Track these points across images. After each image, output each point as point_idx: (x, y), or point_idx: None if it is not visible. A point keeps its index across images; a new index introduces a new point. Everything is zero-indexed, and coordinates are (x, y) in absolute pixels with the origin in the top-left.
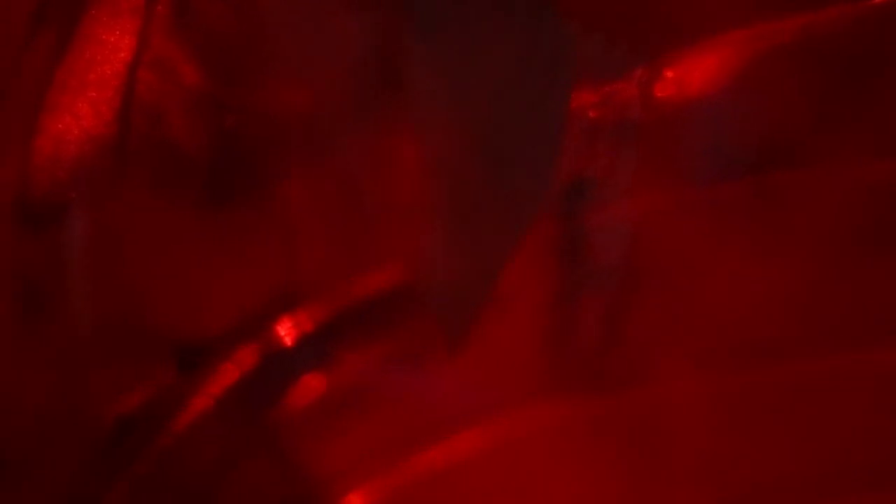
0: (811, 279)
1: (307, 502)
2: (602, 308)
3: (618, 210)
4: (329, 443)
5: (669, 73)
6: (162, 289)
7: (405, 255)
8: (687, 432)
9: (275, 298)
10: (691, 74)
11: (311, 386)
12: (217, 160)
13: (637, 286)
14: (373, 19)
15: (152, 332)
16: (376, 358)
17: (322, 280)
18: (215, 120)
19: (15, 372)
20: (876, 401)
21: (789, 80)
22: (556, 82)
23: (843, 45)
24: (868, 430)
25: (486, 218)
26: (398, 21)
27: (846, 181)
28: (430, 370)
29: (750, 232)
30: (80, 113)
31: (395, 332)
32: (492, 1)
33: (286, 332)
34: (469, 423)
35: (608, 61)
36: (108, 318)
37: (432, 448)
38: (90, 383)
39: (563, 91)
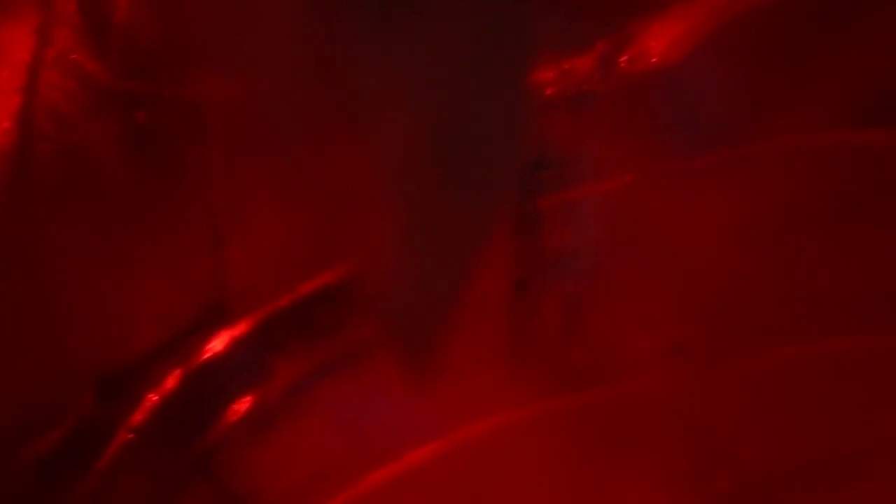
0: (787, 260)
1: None
2: (565, 295)
3: (581, 191)
4: (265, 465)
5: (632, 46)
6: (74, 312)
7: (361, 260)
8: (659, 427)
9: (200, 314)
10: (654, 46)
11: (243, 406)
12: (132, 164)
13: (604, 270)
14: (315, 6)
15: (67, 361)
16: (313, 371)
17: (249, 293)
18: (128, 119)
19: None
20: (858, 387)
21: (757, 46)
22: (516, 65)
23: (812, 5)
24: (848, 418)
25: (444, 224)
26: (342, 6)
27: (822, 149)
28: (373, 381)
29: (723, 208)
30: None
31: (332, 343)
32: None
33: (213, 349)
34: (422, 434)
35: (568, 35)
36: (17, 349)
37: (382, 464)
38: (7, 424)
39: (523, 75)
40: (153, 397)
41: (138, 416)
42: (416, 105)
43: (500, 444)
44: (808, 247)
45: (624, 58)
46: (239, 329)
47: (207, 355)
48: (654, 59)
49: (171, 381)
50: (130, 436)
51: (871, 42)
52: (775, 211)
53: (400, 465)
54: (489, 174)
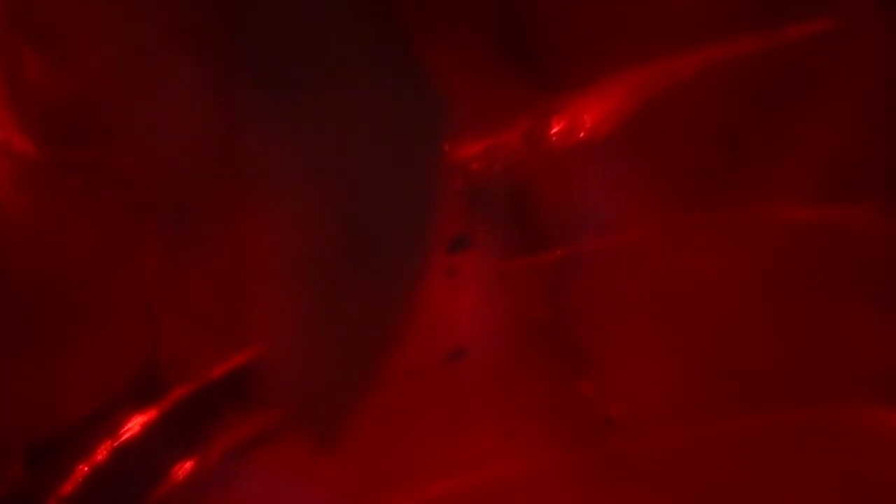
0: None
1: None
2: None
3: (500, 265)
4: None
5: (560, 120)
6: (5, 384)
7: (266, 339)
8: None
9: (129, 386)
10: (583, 119)
11: (170, 476)
12: (62, 241)
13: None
14: (215, 89)
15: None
16: (243, 439)
17: (178, 365)
18: (56, 190)
19: None
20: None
21: (690, 119)
22: (427, 142)
23: (746, 79)
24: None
25: (355, 293)
26: (244, 89)
27: (756, 223)
28: (304, 449)
29: (662, 279)
30: None
31: (263, 410)
32: (350, 60)
33: (141, 422)
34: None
35: (492, 111)
36: None
37: None
38: None
39: (435, 150)
40: (83, 468)
41: (68, 487)
42: (319, 189)
43: None
44: (758, 317)
45: (553, 131)
46: (166, 404)
47: (135, 428)
48: (578, 134)
49: (102, 452)
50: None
51: (809, 120)
52: (710, 283)
53: None
54: (398, 257)
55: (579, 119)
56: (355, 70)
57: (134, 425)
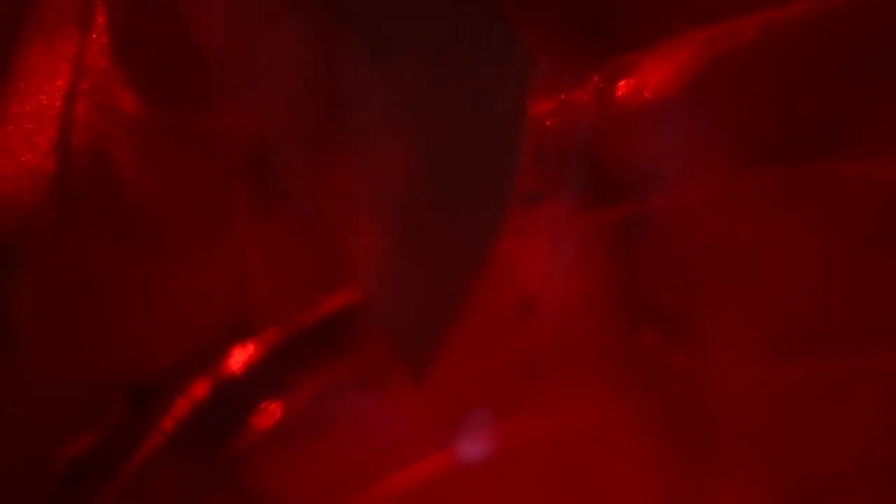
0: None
1: None
2: None
3: (570, 221)
4: (289, 472)
5: (626, 80)
6: (110, 327)
7: (357, 280)
8: (736, 424)
9: (224, 330)
10: (648, 80)
11: (266, 415)
12: (162, 192)
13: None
14: (318, 39)
15: (102, 372)
16: (332, 383)
17: (272, 308)
18: (158, 148)
19: None
20: None
21: (751, 81)
22: (511, 96)
23: (806, 41)
24: None
25: (443, 239)
26: (344, 40)
27: (821, 181)
28: (388, 392)
29: (726, 235)
30: (14, 147)
31: (350, 356)
32: (440, 15)
33: (237, 363)
34: (433, 445)
35: (564, 70)
36: (57, 361)
37: (396, 473)
38: (43, 427)
39: (518, 105)
40: (183, 406)
41: (168, 424)
42: (415, 132)
43: (509, 456)
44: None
45: (619, 91)
46: (260, 345)
47: (232, 369)
48: (644, 95)
49: (199, 391)
50: (161, 441)
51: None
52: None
53: (409, 472)
54: (484, 199)
55: (645, 79)
56: (446, 23)
57: (229, 365)
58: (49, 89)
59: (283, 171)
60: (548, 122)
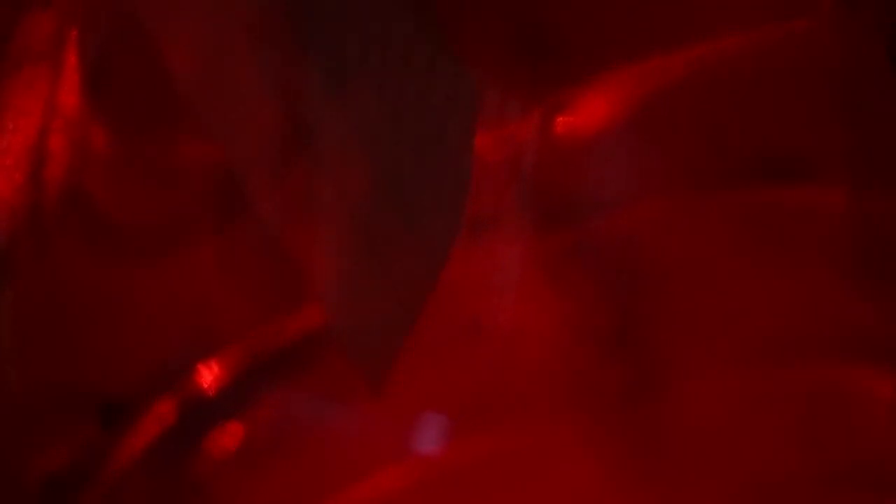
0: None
1: None
2: None
3: (515, 246)
4: (253, 487)
5: (566, 114)
6: (82, 347)
7: (317, 297)
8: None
9: (191, 348)
10: (587, 113)
11: (233, 433)
12: (131, 219)
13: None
14: (280, 71)
15: (74, 390)
16: (295, 400)
17: (238, 326)
18: (128, 179)
19: None
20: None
21: (684, 113)
22: (460, 124)
23: (737, 75)
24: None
25: (397, 258)
26: (304, 70)
27: (747, 204)
28: (351, 409)
29: (665, 254)
30: None
31: (313, 373)
32: (394, 47)
33: (205, 381)
34: (392, 458)
35: (505, 106)
36: (32, 380)
37: (357, 485)
38: (17, 445)
39: (466, 132)
40: (151, 424)
41: (137, 442)
42: (371, 155)
43: (471, 470)
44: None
45: (559, 124)
46: (227, 363)
47: (199, 387)
48: (585, 129)
49: (166, 407)
50: (128, 459)
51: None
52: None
53: (378, 485)
54: (437, 216)
55: (584, 112)
56: (399, 55)
57: (194, 383)
58: (24, 126)
59: (249, 196)
60: (491, 156)
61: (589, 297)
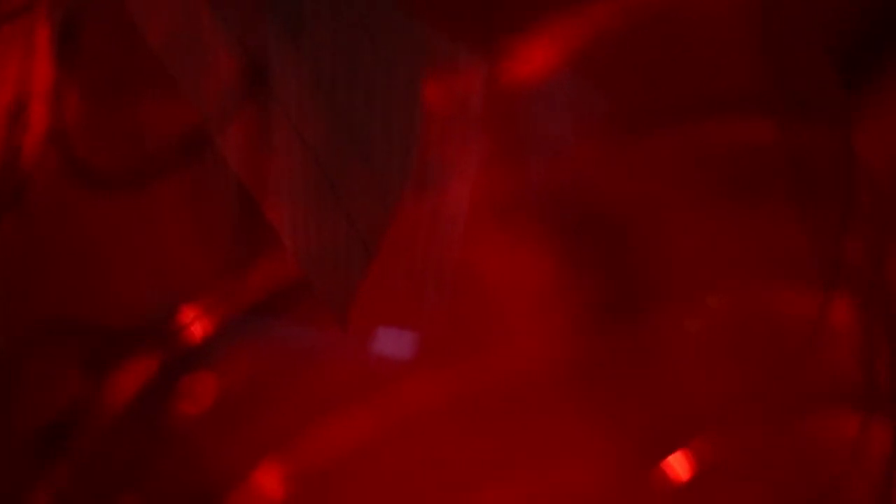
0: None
1: (220, 487)
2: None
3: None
4: (231, 436)
5: (509, 63)
6: (66, 291)
7: (281, 234)
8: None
9: (168, 292)
10: (531, 61)
11: (207, 383)
12: (104, 160)
13: None
14: (238, 23)
15: (61, 340)
16: (269, 348)
17: (212, 272)
18: (99, 128)
19: None
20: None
21: (620, 59)
22: (410, 73)
23: (668, 20)
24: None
25: (353, 195)
26: (264, 25)
27: (681, 142)
28: (324, 352)
29: (604, 196)
30: None
31: (289, 317)
32: (345, 3)
33: (187, 328)
34: (368, 397)
35: (453, 54)
36: (26, 324)
37: (335, 426)
38: (16, 389)
39: (416, 80)
40: (137, 371)
41: (123, 387)
42: (328, 98)
43: (453, 403)
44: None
45: (504, 71)
46: (207, 310)
47: (181, 334)
48: (527, 76)
49: (152, 356)
50: (118, 403)
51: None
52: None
53: (357, 426)
54: (391, 158)
55: (527, 61)
56: (352, 6)
57: (172, 334)
58: (2, 92)
59: (210, 135)
60: (439, 103)
61: (541, 237)
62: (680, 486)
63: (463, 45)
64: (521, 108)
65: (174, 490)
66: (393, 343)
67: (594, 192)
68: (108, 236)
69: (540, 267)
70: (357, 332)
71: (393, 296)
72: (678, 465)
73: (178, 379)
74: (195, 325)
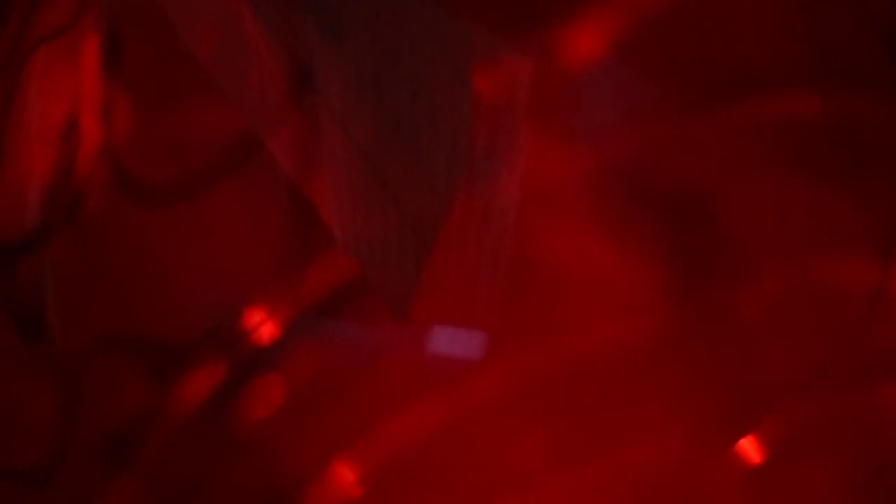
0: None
1: (292, 490)
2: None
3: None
4: (302, 436)
5: (556, 52)
6: (130, 302)
7: (337, 235)
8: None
9: (230, 298)
10: (577, 51)
11: (282, 378)
12: (155, 172)
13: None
14: (280, 29)
15: (130, 344)
16: (340, 342)
17: (271, 277)
18: (148, 141)
19: (16, 396)
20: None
21: (670, 39)
22: (455, 69)
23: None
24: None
25: (407, 193)
26: (304, 27)
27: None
28: (390, 343)
29: (662, 178)
30: (33, 157)
31: (355, 314)
32: (384, 3)
33: (251, 332)
34: (435, 387)
35: (493, 49)
36: (90, 337)
37: (404, 419)
38: (83, 401)
39: (462, 76)
40: (204, 375)
41: (191, 392)
42: (374, 96)
43: (512, 392)
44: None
45: (552, 62)
46: (270, 314)
47: (247, 338)
48: (571, 65)
49: (218, 360)
50: (187, 408)
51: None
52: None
53: (427, 420)
54: (442, 152)
55: (574, 47)
56: (391, 6)
57: (239, 337)
58: (52, 104)
59: (270, 151)
60: (486, 96)
61: (601, 221)
62: (753, 466)
63: (505, 39)
64: (572, 97)
65: (244, 496)
66: (454, 342)
67: (652, 173)
68: (164, 248)
69: (601, 251)
70: (419, 328)
71: (450, 291)
72: (750, 445)
73: (245, 383)
74: (259, 328)
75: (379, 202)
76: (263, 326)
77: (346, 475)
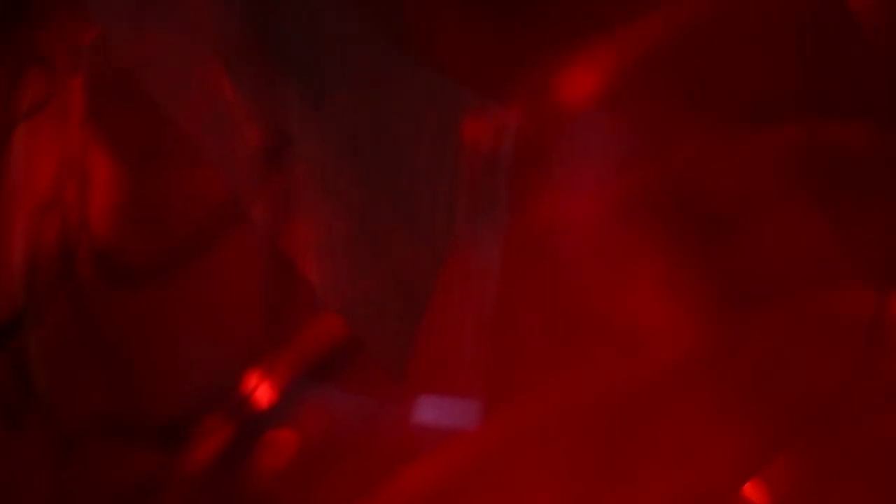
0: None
1: None
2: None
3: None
4: (311, 492)
5: (546, 95)
6: (127, 375)
7: (324, 296)
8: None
9: (229, 360)
10: (571, 90)
11: (287, 440)
12: (138, 243)
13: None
14: (259, 95)
15: (130, 418)
16: (340, 402)
17: (275, 338)
18: (129, 209)
19: (9, 477)
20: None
21: (664, 75)
22: (443, 123)
23: (711, 30)
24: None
25: (398, 250)
26: (284, 91)
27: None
28: (391, 401)
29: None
30: (17, 234)
31: (352, 371)
32: (366, 65)
33: (253, 395)
34: (445, 439)
35: (479, 104)
36: (85, 415)
37: (415, 471)
38: (80, 478)
39: (451, 129)
40: (207, 442)
41: (196, 459)
42: (357, 156)
43: (523, 438)
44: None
45: (545, 103)
46: (271, 375)
47: (249, 401)
48: (559, 114)
49: (219, 424)
50: (192, 474)
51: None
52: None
53: (436, 468)
54: (431, 210)
55: (568, 89)
56: (374, 67)
57: (243, 397)
58: (35, 178)
59: (241, 204)
60: (476, 145)
61: (647, 241)
62: (785, 489)
63: (491, 91)
64: (581, 135)
65: None
66: (443, 411)
67: (698, 192)
68: (151, 321)
69: (648, 269)
70: (417, 387)
71: (434, 357)
72: (772, 475)
73: (253, 444)
74: (261, 388)
75: (368, 262)
76: (266, 385)
77: None
